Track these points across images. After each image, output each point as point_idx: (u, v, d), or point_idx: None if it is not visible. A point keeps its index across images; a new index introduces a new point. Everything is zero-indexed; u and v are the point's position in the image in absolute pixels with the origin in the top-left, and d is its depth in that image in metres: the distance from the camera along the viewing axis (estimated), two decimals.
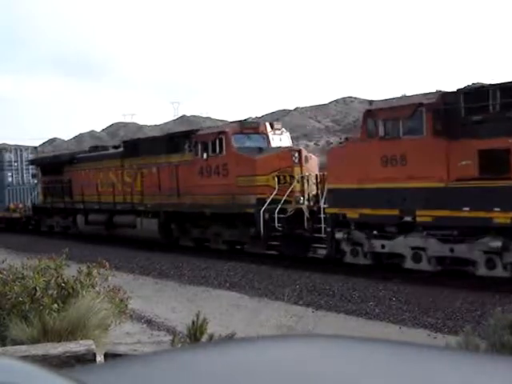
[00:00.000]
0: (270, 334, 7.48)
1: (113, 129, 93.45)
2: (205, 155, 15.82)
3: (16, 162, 28.59)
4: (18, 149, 29.99)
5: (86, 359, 4.34)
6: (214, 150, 15.58)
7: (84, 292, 6.08)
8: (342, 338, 1.69)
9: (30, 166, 28.31)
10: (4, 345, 5.33)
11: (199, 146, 16.07)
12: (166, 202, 17.24)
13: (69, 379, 1.05)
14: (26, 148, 31.02)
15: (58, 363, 4.14)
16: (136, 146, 19.46)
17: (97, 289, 6.48)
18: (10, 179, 28.70)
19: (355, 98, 70.67)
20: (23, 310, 5.67)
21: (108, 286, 6.78)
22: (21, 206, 27.51)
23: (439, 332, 8.34)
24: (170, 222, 17.56)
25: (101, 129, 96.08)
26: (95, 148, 23.97)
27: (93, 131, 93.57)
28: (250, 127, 15.86)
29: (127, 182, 19.24)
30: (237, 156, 15.06)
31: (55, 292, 5.97)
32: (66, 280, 6.12)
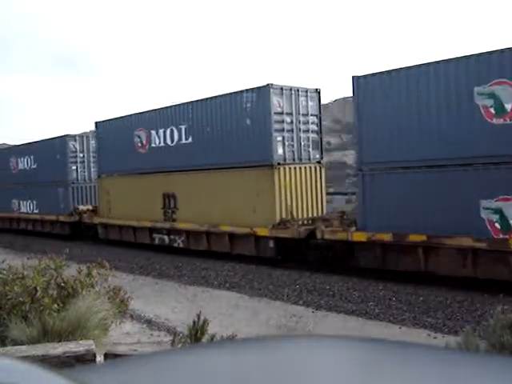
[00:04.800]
0: (269, 334, 7.49)
1: None
2: None
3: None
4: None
5: (86, 359, 4.34)
6: None
7: (84, 292, 6.08)
8: (342, 338, 1.69)
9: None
10: (4, 345, 5.33)
11: None
12: None
13: (69, 379, 1.05)
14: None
15: (58, 363, 4.13)
16: None
17: (97, 289, 6.48)
18: None
19: None
20: (23, 310, 5.67)
21: (108, 287, 6.78)
22: None
23: (439, 332, 8.34)
24: None
25: None
26: None
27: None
28: None
29: None
30: None
31: (55, 292, 5.97)
32: (66, 280, 6.12)
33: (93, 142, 22.24)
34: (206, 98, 15.98)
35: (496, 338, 3.92)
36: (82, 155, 22.51)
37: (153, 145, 17.84)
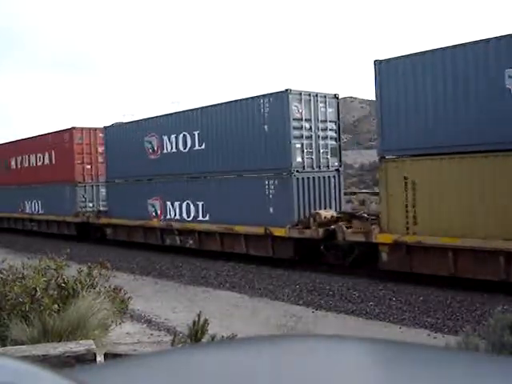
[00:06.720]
0: (269, 334, 7.48)
1: None
2: None
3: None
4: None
5: (86, 359, 4.34)
6: None
7: (84, 292, 6.08)
8: (342, 338, 1.69)
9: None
10: (4, 345, 5.33)
11: None
12: None
13: (69, 379, 1.04)
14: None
15: (58, 363, 4.13)
16: None
17: (97, 289, 6.48)
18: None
19: (355, 97, 70.69)
20: (23, 311, 5.67)
21: (109, 287, 6.79)
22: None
23: (439, 332, 8.35)
24: None
25: None
26: None
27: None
28: None
29: None
30: None
31: (55, 292, 5.97)
32: (66, 280, 6.12)
33: (321, 105, 14.14)
34: None
35: (496, 338, 3.92)
36: (308, 126, 13.89)
37: None
